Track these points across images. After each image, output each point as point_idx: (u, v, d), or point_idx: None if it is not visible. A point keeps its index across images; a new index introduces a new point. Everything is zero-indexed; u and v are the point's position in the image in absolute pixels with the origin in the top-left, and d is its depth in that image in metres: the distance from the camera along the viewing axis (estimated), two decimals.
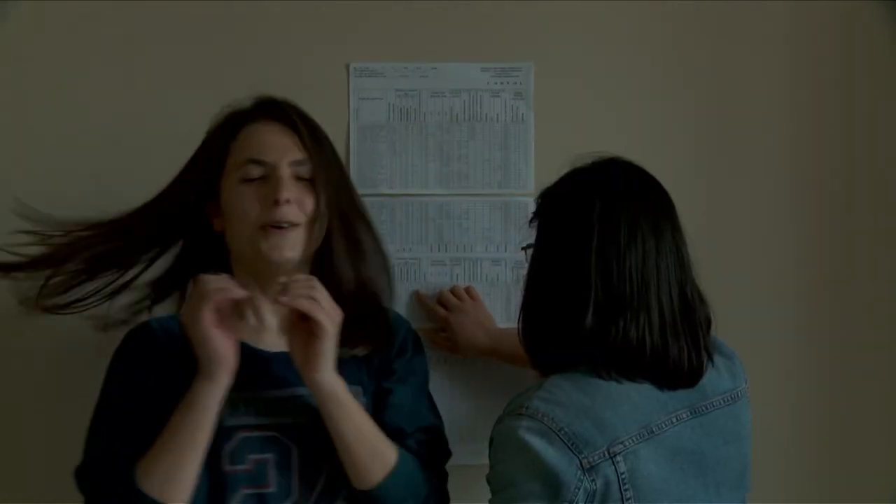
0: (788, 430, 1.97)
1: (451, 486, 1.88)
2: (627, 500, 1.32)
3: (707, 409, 1.42)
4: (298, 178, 1.47)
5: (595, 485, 1.31)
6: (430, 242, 1.95)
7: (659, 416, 1.37)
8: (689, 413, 1.40)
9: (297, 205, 1.45)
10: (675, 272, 1.41)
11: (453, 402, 1.93)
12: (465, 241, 1.95)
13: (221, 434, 1.41)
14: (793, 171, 1.99)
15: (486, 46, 1.96)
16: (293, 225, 1.45)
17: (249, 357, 1.45)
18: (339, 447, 1.43)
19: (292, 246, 1.45)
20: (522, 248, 1.58)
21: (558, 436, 1.31)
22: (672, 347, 1.39)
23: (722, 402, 1.45)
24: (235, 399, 1.43)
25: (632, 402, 1.36)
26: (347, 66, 1.95)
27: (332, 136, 1.92)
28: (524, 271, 1.50)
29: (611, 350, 1.37)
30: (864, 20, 1.96)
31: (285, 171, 1.46)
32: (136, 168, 1.93)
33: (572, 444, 1.31)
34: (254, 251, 1.46)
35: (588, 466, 1.31)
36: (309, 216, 1.47)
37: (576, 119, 1.95)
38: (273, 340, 1.49)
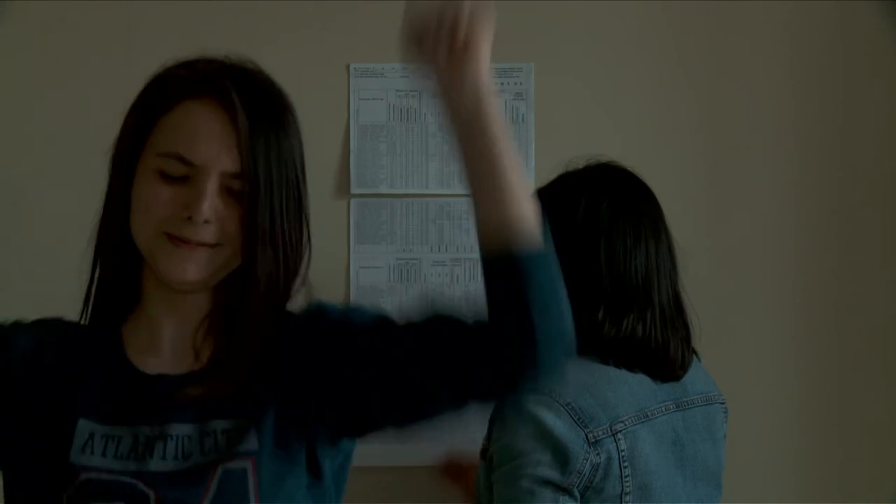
0: (789, 431, 1.97)
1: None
2: (626, 477, 1.38)
3: (688, 404, 1.50)
4: (230, 191, 1.15)
5: (599, 458, 1.36)
6: (431, 243, 1.95)
7: (651, 403, 1.44)
8: (674, 405, 1.47)
9: (219, 224, 1.14)
10: (670, 272, 1.50)
11: None
12: (466, 242, 1.95)
13: (66, 473, 1.14)
14: (793, 170, 1.99)
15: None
16: (206, 245, 1.15)
17: (124, 377, 1.19)
18: (480, 180, 1.08)
19: (198, 268, 1.16)
20: None
21: (565, 409, 1.36)
22: (671, 343, 1.47)
23: (700, 400, 1.52)
24: (91, 430, 1.16)
25: (629, 385, 1.43)
26: (347, 67, 1.95)
27: (332, 137, 1.95)
28: None
29: (619, 344, 1.43)
30: (865, 21, 1.96)
31: (212, 183, 1.14)
32: None
33: (578, 419, 1.36)
34: (151, 259, 1.17)
35: (593, 440, 1.36)
36: (230, 237, 1.15)
37: (576, 119, 1.95)
38: (160, 361, 1.20)
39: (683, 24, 1.97)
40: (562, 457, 1.35)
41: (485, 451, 1.46)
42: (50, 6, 1.92)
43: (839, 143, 1.98)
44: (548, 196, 1.50)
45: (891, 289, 1.98)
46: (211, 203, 1.13)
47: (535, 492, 1.35)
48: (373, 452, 1.91)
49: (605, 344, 1.43)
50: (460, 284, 1.94)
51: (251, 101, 1.16)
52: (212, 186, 1.13)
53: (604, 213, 1.46)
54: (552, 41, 1.97)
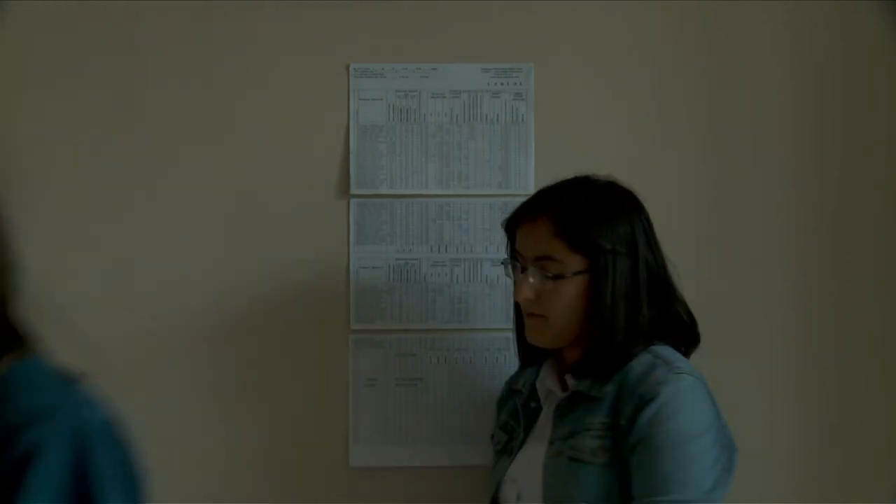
0: (789, 431, 1.97)
1: (452, 486, 1.89)
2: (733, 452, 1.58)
3: None
4: None
5: (727, 430, 1.58)
6: (431, 243, 1.95)
7: None
8: None
9: None
10: None
11: (451, 402, 1.93)
12: (465, 242, 1.95)
13: None
14: (793, 170, 1.98)
15: (487, 47, 1.96)
16: None
17: None
18: None
19: None
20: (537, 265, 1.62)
21: (709, 392, 1.56)
22: None
23: None
24: None
25: None
26: (347, 67, 1.95)
27: (331, 137, 1.96)
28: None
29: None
30: (865, 21, 1.96)
31: None
32: (134, 166, 1.94)
33: (714, 400, 1.56)
34: None
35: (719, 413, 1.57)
36: None
37: (576, 120, 1.95)
38: None
39: (683, 24, 1.97)
40: (721, 435, 1.54)
41: (604, 449, 1.54)
42: (50, 6, 1.92)
43: (839, 143, 1.98)
44: (598, 229, 1.58)
45: (891, 289, 1.98)
46: None
47: (722, 466, 1.52)
48: (373, 452, 1.93)
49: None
50: (460, 284, 1.95)
51: None
52: None
53: (653, 237, 1.62)
54: (552, 41, 1.97)
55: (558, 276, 1.56)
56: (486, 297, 1.94)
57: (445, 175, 1.95)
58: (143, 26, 1.93)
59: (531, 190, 1.93)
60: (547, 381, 1.63)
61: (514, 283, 1.62)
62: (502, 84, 1.95)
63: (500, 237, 1.94)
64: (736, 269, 1.97)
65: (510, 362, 1.88)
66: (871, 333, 1.98)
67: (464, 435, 1.88)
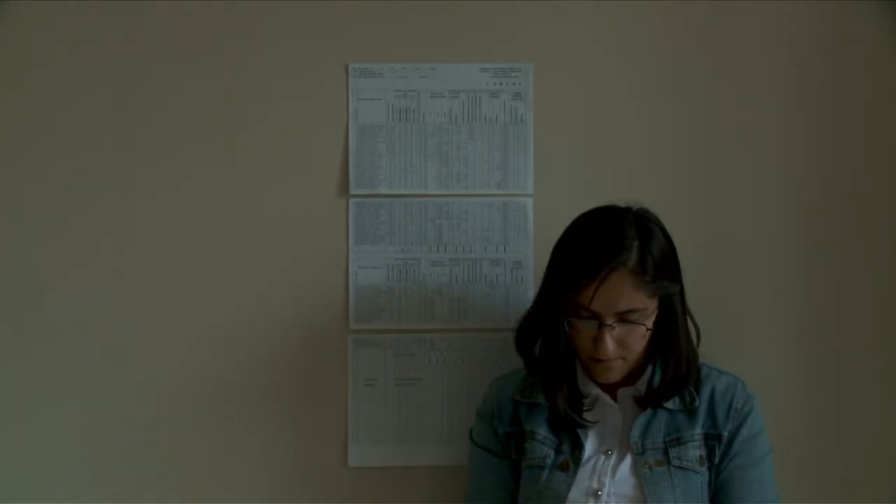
0: (789, 430, 1.97)
1: (452, 486, 1.88)
2: None
3: None
4: None
5: None
6: (429, 243, 1.95)
7: None
8: None
9: None
10: None
11: (451, 402, 1.93)
12: (464, 242, 1.95)
13: None
14: (794, 170, 1.98)
15: (486, 47, 1.96)
16: None
17: None
18: None
19: None
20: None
21: None
22: None
23: None
24: None
25: None
26: (347, 67, 1.95)
27: (330, 137, 1.96)
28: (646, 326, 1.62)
29: None
30: (865, 21, 1.96)
31: None
32: (134, 166, 1.94)
33: None
34: None
35: None
36: None
37: (575, 120, 1.95)
38: None
39: (683, 24, 1.97)
40: None
41: (702, 458, 1.66)
42: (50, 6, 1.92)
43: (839, 143, 1.98)
44: (663, 250, 1.62)
45: (892, 288, 1.98)
46: None
47: None
48: (373, 452, 1.94)
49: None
50: (459, 284, 1.95)
51: None
52: None
53: None
54: (552, 41, 1.96)
55: (640, 322, 1.59)
56: (485, 297, 1.94)
57: (444, 175, 1.95)
58: (142, 27, 1.93)
59: (530, 190, 1.94)
60: (601, 396, 1.69)
61: (572, 331, 1.62)
62: (501, 84, 1.95)
63: (499, 237, 1.95)
64: (735, 269, 1.97)
65: (509, 362, 1.88)
66: (872, 334, 1.98)
67: (463, 435, 1.88)
